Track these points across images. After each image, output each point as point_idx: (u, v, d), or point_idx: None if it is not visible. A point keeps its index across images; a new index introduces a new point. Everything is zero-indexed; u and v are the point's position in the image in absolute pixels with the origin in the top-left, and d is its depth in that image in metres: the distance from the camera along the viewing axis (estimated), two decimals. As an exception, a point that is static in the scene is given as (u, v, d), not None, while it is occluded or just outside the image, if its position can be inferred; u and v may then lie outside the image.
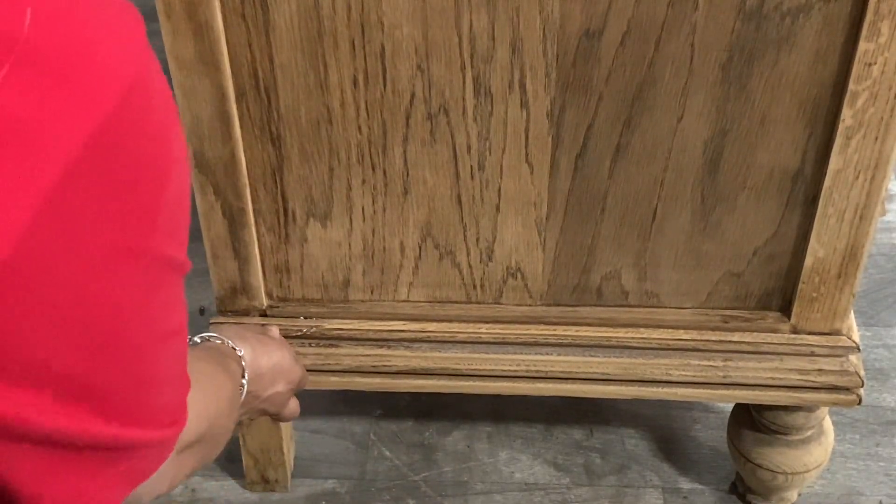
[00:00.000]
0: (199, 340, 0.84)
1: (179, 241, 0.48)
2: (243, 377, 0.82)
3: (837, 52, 0.80)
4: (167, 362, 0.51)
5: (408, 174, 0.89)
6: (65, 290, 0.40)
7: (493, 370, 0.99)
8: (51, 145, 0.37)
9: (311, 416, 1.22)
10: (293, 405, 0.95)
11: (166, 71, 0.81)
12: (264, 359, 0.87)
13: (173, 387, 0.53)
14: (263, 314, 0.98)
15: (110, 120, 0.39)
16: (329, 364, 0.99)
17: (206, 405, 0.66)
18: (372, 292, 0.98)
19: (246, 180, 0.89)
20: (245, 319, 0.98)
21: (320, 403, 1.23)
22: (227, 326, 0.93)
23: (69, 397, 0.43)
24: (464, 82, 0.83)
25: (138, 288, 0.45)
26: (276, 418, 0.94)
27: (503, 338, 0.98)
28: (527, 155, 0.87)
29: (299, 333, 0.99)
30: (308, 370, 1.00)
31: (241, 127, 0.86)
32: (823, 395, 0.98)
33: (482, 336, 0.98)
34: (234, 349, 0.84)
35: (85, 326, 0.42)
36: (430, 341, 0.99)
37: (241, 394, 0.82)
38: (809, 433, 1.05)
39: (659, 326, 0.97)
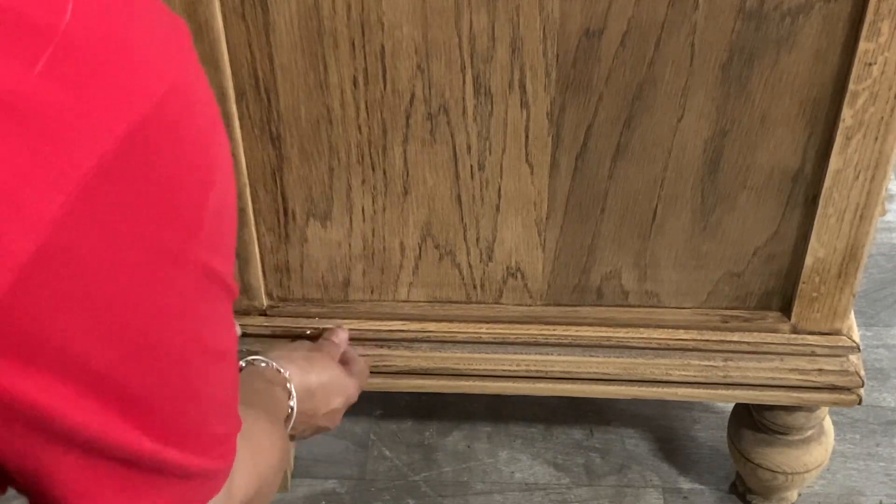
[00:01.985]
0: (244, 364, 0.83)
1: (224, 257, 0.47)
2: (291, 399, 0.82)
3: (837, 52, 0.80)
4: (214, 385, 0.50)
5: (408, 174, 0.89)
6: (100, 283, 0.40)
7: (493, 370, 0.99)
8: (86, 136, 0.37)
9: (311, 416, 1.22)
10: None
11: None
12: (313, 377, 0.86)
13: (221, 416, 0.52)
14: (263, 314, 0.98)
15: (148, 119, 0.39)
16: (329, 364, 0.99)
17: (257, 463, 0.64)
18: (372, 292, 0.98)
19: (246, 180, 0.89)
20: (245, 319, 0.98)
21: (320, 403, 1.23)
22: (273, 347, 0.92)
23: (108, 400, 0.42)
24: (464, 82, 0.83)
25: (179, 295, 0.44)
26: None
27: (503, 338, 0.98)
28: (527, 155, 0.87)
29: (300, 334, 0.99)
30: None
31: (241, 127, 0.86)
32: (824, 395, 0.98)
33: (482, 336, 0.98)
34: (279, 371, 0.83)
35: (121, 325, 0.42)
36: (430, 341, 0.99)
37: (291, 417, 0.82)
38: (809, 433, 1.05)
39: (659, 326, 0.97)
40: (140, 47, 0.40)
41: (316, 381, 0.87)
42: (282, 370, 0.83)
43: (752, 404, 1.04)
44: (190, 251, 0.44)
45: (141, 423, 0.44)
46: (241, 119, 0.85)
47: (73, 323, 0.39)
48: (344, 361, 0.94)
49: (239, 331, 0.97)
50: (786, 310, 0.95)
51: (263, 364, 0.84)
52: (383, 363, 0.99)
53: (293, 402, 0.82)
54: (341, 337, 0.96)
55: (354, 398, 0.94)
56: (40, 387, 0.39)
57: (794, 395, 0.98)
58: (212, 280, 0.46)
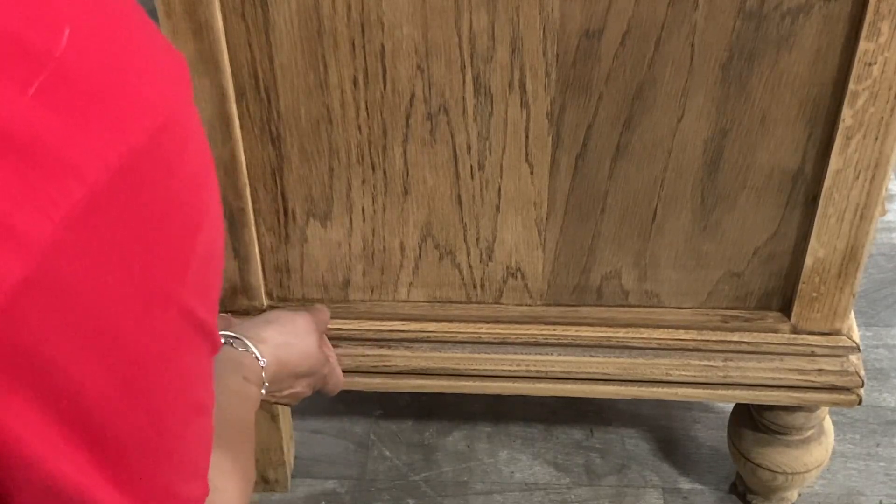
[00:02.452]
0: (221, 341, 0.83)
1: (209, 307, 0.46)
2: (263, 385, 0.82)
3: (837, 52, 0.80)
4: (189, 442, 0.48)
5: (408, 174, 0.89)
6: (86, 314, 0.39)
7: (493, 370, 0.99)
8: (77, 164, 0.37)
9: (311, 416, 1.22)
10: (334, 382, 0.95)
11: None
12: (284, 353, 0.86)
13: (190, 477, 0.50)
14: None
15: (140, 152, 0.39)
16: (329, 364, 0.99)
17: (245, 477, 0.63)
18: (372, 292, 0.98)
19: (246, 180, 0.89)
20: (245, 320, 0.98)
21: (320, 403, 1.23)
22: (253, 319, 0.91)
23: (78, 435, 0.41)
24: (464, 82, 0.83)
25: (164, 339, 0.43)
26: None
27: (503, 338, 0.98)
28: (527, 155, 0.87)
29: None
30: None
31: (241, 127, 0.86)
32: (823, 395, 0.98)
33: (482, 336, 0.98)
34: (256, 357, 0.83)
35: (106, 359, 0.40)
36: (430, 341, 0.99)
37: (258, 398, 0.82)
38: (809, 433, 1.05)
39: (659, 326, 0.97)
40: (137, 78, 0.40)
41: (287, 357, 0.86)
42: (258, 357, 0.83)
43: (752, 404, 1.04)
44: (176, 294, 0.43)
45: (107, 468, 0.43)
46: (241, 119, 0.85)
47: (58, 351, 0.38)
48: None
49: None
50: (786, 310, 0.95)
51: (242, 349, 0.83)
52: (383, 363, 0.99)
53: (263, 390, 0.82)
54: (326, 314, 0.96)
55: (330, 386, 0.94)
56: (11, 411, 0.38)
57: (794, 395, 0.98)
58: (196, 329, 0.45)
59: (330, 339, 0.99)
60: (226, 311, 0.98)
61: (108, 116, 0.38)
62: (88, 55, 0.38)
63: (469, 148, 0.87)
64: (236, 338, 0.84)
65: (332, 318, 0.98)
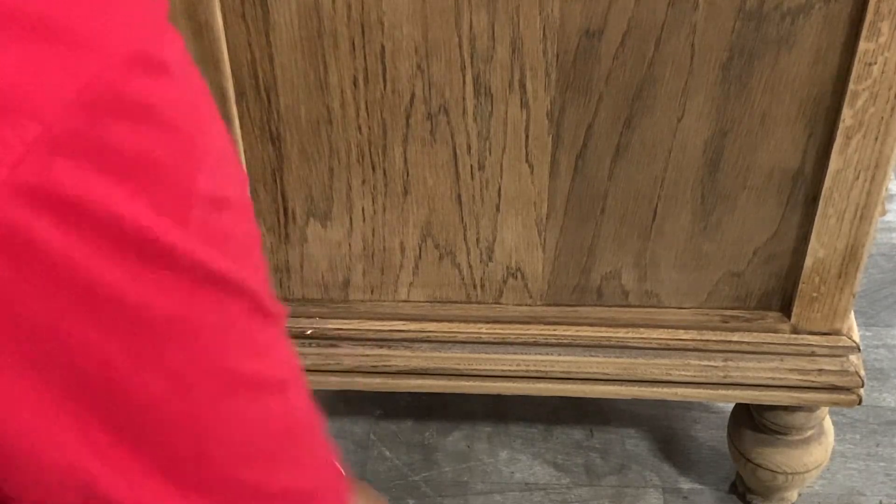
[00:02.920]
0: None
1: (235, 260, 0.42)
2: None
3: (837, 52, 0.80)
4: (244, 420, 0.43)
5: (408, 174, 0.89)
6: (66, 271, 0.35)
7: (493, 370, 0.99)
8: (32, 107, 0.34)
9: (311, 416, 1.22)
10: None
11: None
12: None
13: (262, 466, 0.45)
14: (263, 314, 0.98)
15: (104, 85, 0.36)
16: (329, 364, 0.99)
17: None
18: (372, 292, 0.98)
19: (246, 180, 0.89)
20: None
21: (320, 403, 1.23)
22: None
23: (98, 419, 0.38)
24: (464, 82, 0.83)
25: (168, 292, 0.39)
26: None
27: (503, 338, 0.98)
28: (527, 155, 0.87)
29: (300, 334, 0.99)
30: (308, 370, 1.00)
31: (241, 127, 0.86)
32: (823, 395, 0.98)
33: (482, 336, 0.98)
34: None
35: (102, 322, 0.37)
36: (430, 341, 0.99)
37: None
38: (809, 433, 1.05)
39: (659, 326, 0.97)
40: (96, 7, 0.37)
41: None
42: None
43: (752, 404, 1.04)
44: (178, 243, 0.38)
45: (131, 448, 0.39)
46: (241, 119, 0.85)
47: (44, 315, 0.36)
48: None
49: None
50: (786, 310, 0.95)
51: None
52: (383, 363, 0.99)
53: None
54: None
55: None
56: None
57: (794, 395, 0.98)
58: (214, 283, 0.40)
59: (330, 339, 0.99)
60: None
61: (65, 49, 0.35)
62: None
63: (469, 148, 0.87)
64: None
65: (332, 317, 0.99)
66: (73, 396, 0.37)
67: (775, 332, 0.96)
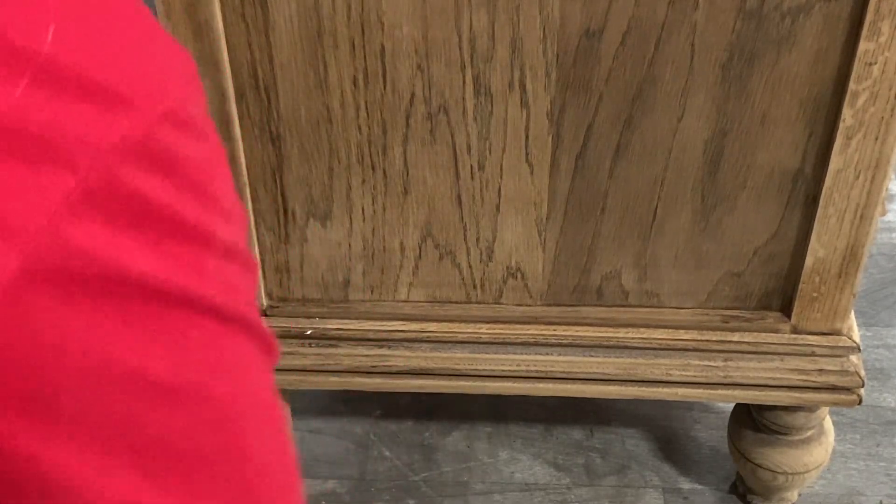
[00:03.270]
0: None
1: (245, 304, 0.43)
2: None
3: (838, 52, 0.80)
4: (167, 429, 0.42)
5: (408, 174, 0.89)
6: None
7: (493, 370, 0.99)
8: (68, 158, 0.36)
9: (311, 416, 1.22)
10: None
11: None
12: None
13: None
14: (263, 314, 0.98)
15: (138, 140, 0.38)
16: (329, 364, 0.99)
17: None
18: (372, 292, 0.98)
19: (246, 180, 0.89)
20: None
21: (320, 403, 1.23)
22: None
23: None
24: (464, 82, 0.83)
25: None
26: None
27: (503, 338, 0.98)
28: (527, 155, 0.87)
29: (300, 334, 0.99)
30: (308, 370, 1.00)
31: (241, 127, 0.86)
32: (824, 395, 0.98)
33: (482, 336, 0.98)
34: None
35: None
36: (430, 341, 0.99)
37: None
38: (810, 433, 1.05)
39: (659, 326, 0.97)
40: (131, 69, 0.39)
41: None
42: None
43: (753, 404, 1.04)
44: (195, 290, 0.40)
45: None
46: (241, 119, 0.85)
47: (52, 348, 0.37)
48: None
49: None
50: (786, 310, 0.95)
51: None
52: (383, 363, 0.99)
53: None
54: None
55: None
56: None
57: (795, 395, 0.98)
58: (232, 327, 0.42)
59: (330, 339, 0.99)
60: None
61: (99, 108, 0.37)
62: (76, 49, 0.37)
63: (469, 148, 0.87)
64: None
65: (332, 317, 0.98)
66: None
67: (775, 332, 0.96)
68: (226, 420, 0.42)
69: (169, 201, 0.39)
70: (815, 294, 0.93)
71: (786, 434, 1.04)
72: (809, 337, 0.96)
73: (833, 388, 0.97)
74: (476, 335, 0.98)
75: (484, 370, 0.99)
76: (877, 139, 0.83)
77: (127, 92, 0.38)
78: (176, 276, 0.39)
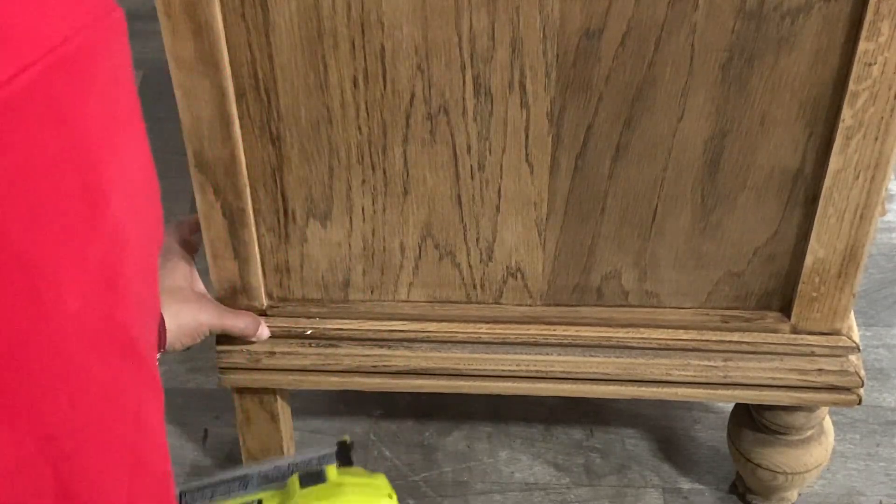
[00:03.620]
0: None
1: (133, 314, 0.40)
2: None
3: (837, 52, 0.80)
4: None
5: (408, 174, 0.89)
6: None
7: (493, 370, 0.99)
8: None
9: (311, 416, 1.22)
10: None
11: (166, 71, 0.81)
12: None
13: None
14: (263, 314, 0.98)
15: (15, 89, 0.34)
16: (329, 364, 0.99)
17: None
18: (372, 292, 0.98)
19: (246, 180, 0.89)
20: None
21: (320, 403, 1.23)
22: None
23: None
24: (464, 82, 0.83)
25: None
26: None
27: (503, 338, 0.98)
28: (527, 155, 0.87)
29: (300, 334, 0.99)
30: (308, 370, 1.00)
31: (241, 127, 0.86)
32: (823, 395, 0.98)
33: (482, 336, 0.98)
34: None
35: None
36: (430, 341, 0.99)
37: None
38: (809, 433, 1.05)
39: (659, 326, 0.97)
40: (24, 6, 0.35)
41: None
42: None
43: (752, 404, 1.04)
44: (75, 284, 0.36)
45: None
46: (241, 119, 0.85)
47: None
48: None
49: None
50: (786, 310, 0.95)
51: None
52: (383, 363, 0.99)
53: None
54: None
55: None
56: None
57: (794, 395, 0.98)
58: (116, 343, 0.39)
59: (330, 339, 0.99)
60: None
61: None
62: None
63: (469, 148, 0.87)
64: None
65: (332, 318, 0.98)
66: None
67: (775, 332, 0.96)
68: None
69: (50, 162, 0.35)
70: (814, 294, 0.93)
71: (785, 434, 1.04)
72: (809, 337, 0.96)
73: (833, 388, 0.97)
74: (476, 335, 0.98)
75: (484, 370, 0.99)
76: (876, 139, 0.83)
77: (12, 32, 0.34)
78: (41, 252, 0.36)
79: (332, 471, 0.87)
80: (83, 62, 0.36)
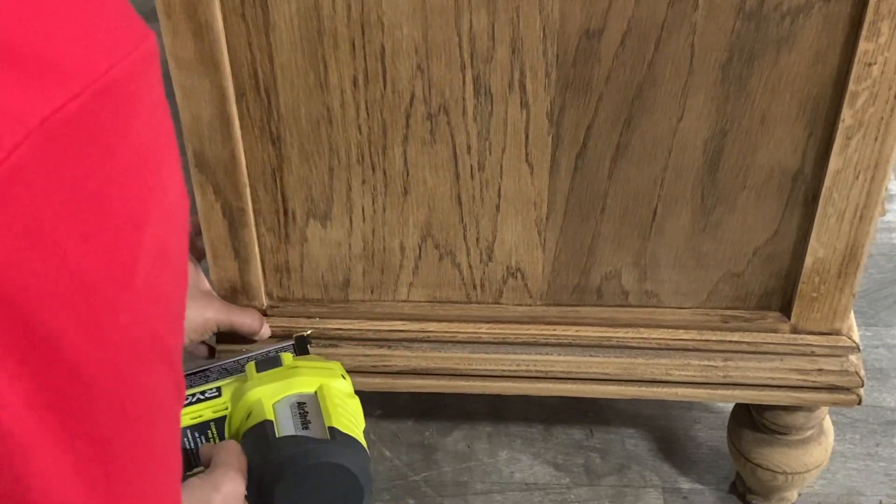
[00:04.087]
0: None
1: (171, 330, 0.42)
2: None
3: (837, 52, 0.80)
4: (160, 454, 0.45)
5: (408, 174, 0.89)
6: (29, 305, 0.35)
7: (493, 370, 0.99)
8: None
9: (311, 416, 1.22)
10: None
11: (166, 71, 0.81)
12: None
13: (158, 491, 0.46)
14: (263, 314, 0.98)
15: (67, 118, 0.35)
16: (329, 364, 0.99)
17: None
18: (372, 292, 0.98)
19: (246, 180, 0.89)
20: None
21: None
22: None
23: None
24: (464, 82, 0.83)
25: (116, 356, 0.39)
26: None
27: (503, 338, 0.98)
28: (527, 155, 0.87)
29: (299, 334, 0.99)
30: (308, 370, 1.00)
31: (241, 127, 0.86)
32: (823, 395, 0.98)
33: (482, 336, 0.98)
34: None
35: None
36: (430, 341, 0.99)
37: None
38: (809, 433, 1.05)
39: (659, 326, 0.97)
40: (68, 42, 0.36)
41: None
42: None
43: (752, 404, 1.04)
44: (125, 300, 0.38)
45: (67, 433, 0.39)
46: (241, 119, 0.85)
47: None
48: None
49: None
50: (786, 310, 0.95)
51: None
52: (383, 363, 0.99)
53: None
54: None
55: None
56: None
57: (794, 395, 0.98)
58: (157, 352, 0.41)
59: (330, 339, 0.99)
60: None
61: (29, 78, 0.34)
62: (5, 18, 0.34)
63: (469, 148, 0.87)
64: None
65: (332, 318, 0.98)
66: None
67: (775, 332, 0.96)
68: None
69: (95, 189, 0.36)
70: (814, 294, 0.93)
71: (785, 434, 1.04)
72: (809, 337, 0.96)
73: (833, 388, 0.97)
74: (476, 335, 0.98)
75: (484, 370, 0.99)
76: (876, 139, 0.83)
77: (57, 69, 0.35)
78: (96, 271, 0.37)
79: (287, 357, 0.90)
80: (127, 89, 0.38)
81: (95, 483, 0.41)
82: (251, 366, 0.88)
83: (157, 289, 0.41)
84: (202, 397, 0.87)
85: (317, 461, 0.79)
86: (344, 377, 0.88)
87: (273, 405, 0.84)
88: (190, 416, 0.86)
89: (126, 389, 0.41)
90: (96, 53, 0.37)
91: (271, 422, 0.82)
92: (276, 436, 0.81)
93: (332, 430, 0.81)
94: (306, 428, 0.82)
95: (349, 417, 0.84)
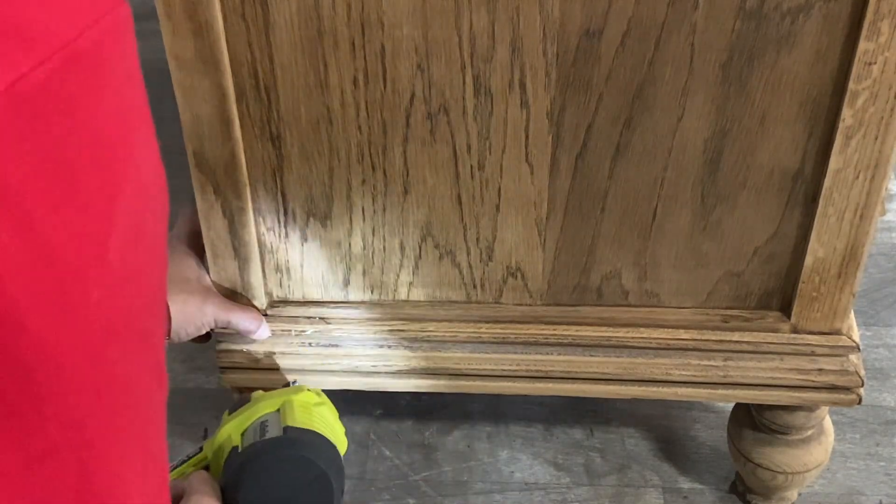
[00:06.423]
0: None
1: (149, 310, 0.41)
2: None
3: (837, 52, 0.80)
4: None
5: (408, 174, 0.89)
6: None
7: (493, 370, 0.99)
8: None
9: (311, 416, 1.22)
10: None
11: (166, 71, 0.81)
12: None
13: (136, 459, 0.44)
14: (263, 314, 0.98)
15: (32, 84, 0.34)
16: (329, 364, 0.99)
17: None
18: (372, 292, 0.98)
19: (246, 180, 0.89)
20: (245, 319, 0.98)
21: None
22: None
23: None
24: (464, 82, 0.83)
25: (85, 333, 0.38)
26: None
27: (503, 338, 0.98)
28: (527, 155, 0.87)
29: (300, 333, 0.99)
30: (308, 370, 1.00)
31: (241, 127, 0.86)
32: (823, 395, 0.98)
33: (482, 336, 0.98)
34: None
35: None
36: (430, 341, 0.99)
37: None
38: (809, 433, 1.05)
39: (659, 326, 0.97)
40: (34, 10, 0.35)
41: None
42: None
43: (752, 404, 1.04)
44: (97, 275, 0.37)
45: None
46: (241, 119, 0.85)
47: None
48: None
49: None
50: (786, 310, 0.95)
51: None
52: (383, 363, 0.99)
53: None
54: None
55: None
56: None
57: (794, 394, 0.98)
58: (131, 331, 0.40)
59: (330, 339, 0.99)
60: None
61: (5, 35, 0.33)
62: None
63: (469, 148, 0.87)
64: None
65: (332, 318, 0.98)
66: None
67: (775, 331, 0.96)
68: None
69: (65, 156, 0.35)
70: (814, 294, 0.93)
71: (785, 434, 1.04)
72: (809, 337, 0.96)
73: (833, 388, 0.97)
74: (476, 335, 0.98)
75: (484, 370, 0.99)
76: (876, 139, 0.83)
77: (24, 24, 0.34)
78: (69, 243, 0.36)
79: (257, 392, 0.92)
80: (97, 57, 0.37)
81: (65, 469, 0.40)
82: (225, 413, 0.90)
83: (132, 267, 0.39)
84: (186, 459, 0.89)
85: (270, 455, 0.82)
86: (311, 390, 0.90)
87: (241, 434, 0.86)
88: (175, 475, 0.88)
89: (99, 370, 0.39)
90: (63, 19, 0.35)
91: (236, 446, 0.85)
92: (238, 452, 0.84)
93: (287, 428, 0.84)
94: (264, 436, 0.84)
95: (317, 420, 0.87)
